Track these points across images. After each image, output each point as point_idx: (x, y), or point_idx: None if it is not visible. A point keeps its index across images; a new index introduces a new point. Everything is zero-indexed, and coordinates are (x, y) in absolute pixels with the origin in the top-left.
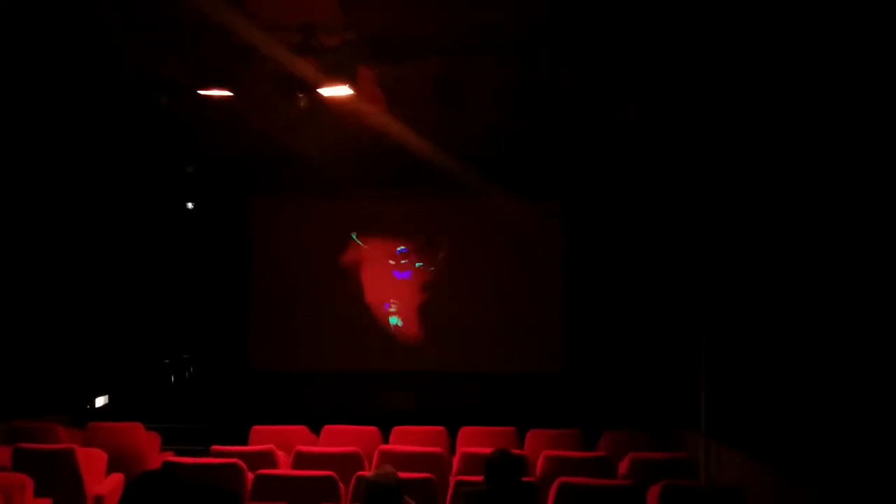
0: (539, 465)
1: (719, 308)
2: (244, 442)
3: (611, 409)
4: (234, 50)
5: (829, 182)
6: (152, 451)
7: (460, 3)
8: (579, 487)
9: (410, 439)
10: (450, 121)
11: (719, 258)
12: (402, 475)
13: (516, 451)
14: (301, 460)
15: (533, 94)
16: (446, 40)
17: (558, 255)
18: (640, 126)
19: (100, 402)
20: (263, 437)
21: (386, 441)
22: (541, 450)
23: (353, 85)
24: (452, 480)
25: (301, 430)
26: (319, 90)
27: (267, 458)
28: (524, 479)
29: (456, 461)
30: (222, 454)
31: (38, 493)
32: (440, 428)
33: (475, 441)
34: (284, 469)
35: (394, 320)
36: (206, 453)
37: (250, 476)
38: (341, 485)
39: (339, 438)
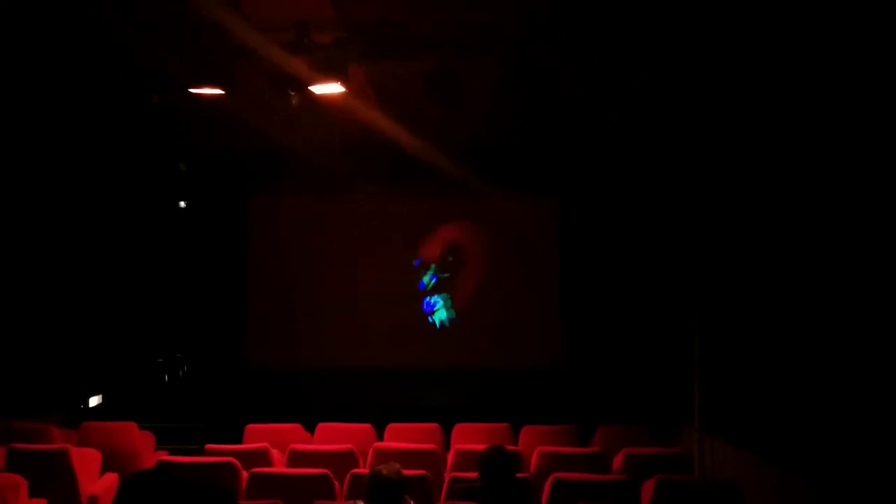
0: (533, 461)
1: (714, 305)
2: (239, 440)
3: (606, 405)
4: (227, 48)
5: (821, 180)
6: (146, 451)
7: (459, 2)
8: (573, 482)
9: (405, 436)
10: (447, 118)
11: (715, 255)
12: None
13: (511, 448)
14: (295, 458)
15: (530, 92)
16: (442, 37)
17: (556, 252)
18: (637, 124)
19: (93, 401)
20: (258, 436)
21: (380, 438)
22: (535, 446)
23: (344, 83)
24: (447, 477)
25: (295, 427)
26: (311, 88)
27: (261, 457)
28: (518, 474)
29: (450, 458)
30: (216, 453)
31: (33, 493)
32: (434, 425)
33: (470, 437)
34: (279, 467)
35: (440, 310)
36: (201, 452)
37: (245, 474)
38: (336, 482)
39: (334, 436)
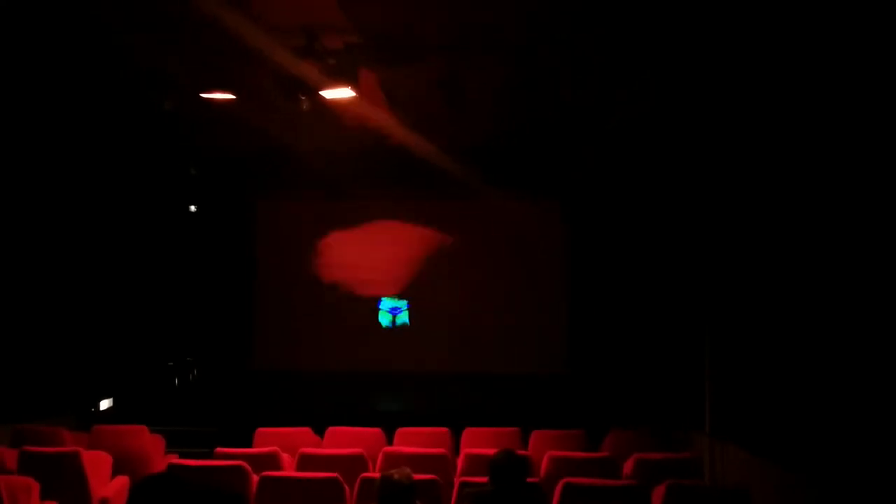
0: (543, 466)
1: (724, 307)
2: (248, 444)
3: (615, 410)
4: (238, 53)
5: (830, 180)
6: (157, 454)
7: (460, 3)
8: (584, 488)
9: (414, 441)
10: (451, 121)
11: (723, 256)
12: None
13: (521, 452)
14: (305, 462)
15: (532, 93)
16: (447, 41)
17: (561, 255)
18: (640, 124)
19: (104, 404)
20: (267, 440)
21: (390, 442)
22: (545, 450)
23: (354, 87)
24: (457, 481)
25: (305, 431)
26: (321, 92)
27: (271, 460)
28: (529, 479)
29: (460, 462)
30: (227, 456)
31: (44, 495)
32: (444, 429)
33: (479, 442)
34: (289, 471)
35: (401, 318)
36: (211, 456)
37: (255, 478)
38: (346, 486)
39: (343, 440)
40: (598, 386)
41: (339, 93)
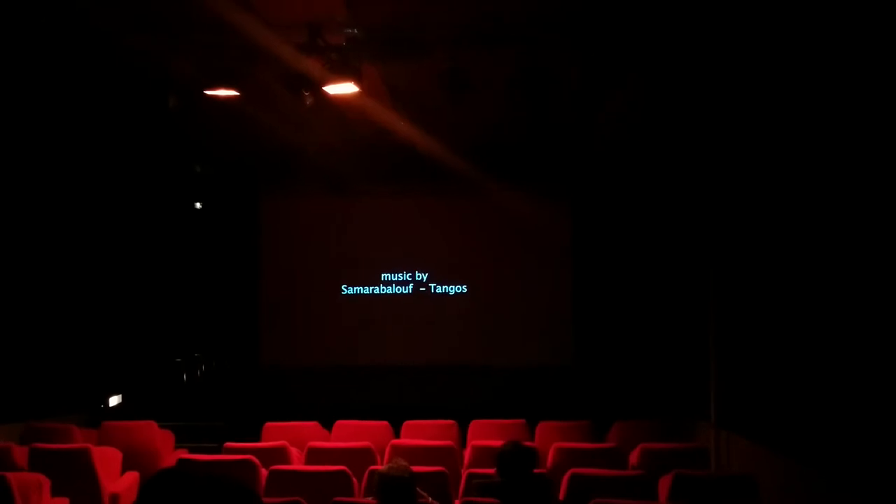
0: (550, 457)
1: (728, 299)
2: (257, 438)
3: (621, 401)
4: (241, 49)
5: (832, 174)
6: (166, 449)
7: None
8: (591, 478)
9: (421, 433)
10: (457, 117)
11: (727, 248)
12: (415, 468)
13: (527, 443)
14: (314, 455)
15: (539, 89)
16: (450, 34)
17: (567, 250)
18: (643, 122)
19: (113, 401)
20: (276, 434)
21: (397, 435)
22: (551, 442)
23: (357, 82)
24: (464, 473)
25: (313, 425)
26: (325, 88)
27: (280, 454)
28: (536, 470)
29: (467, 454)
30: (236, 451)
31: (55, 492)
32: (451, 422)
33: (486, 434)
34: (298, 465)
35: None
36: (220, 450)
37: (264, 472)
38: (354, 479)
39: (351, 433)
40: (604, 378)
41: (343, 88)
